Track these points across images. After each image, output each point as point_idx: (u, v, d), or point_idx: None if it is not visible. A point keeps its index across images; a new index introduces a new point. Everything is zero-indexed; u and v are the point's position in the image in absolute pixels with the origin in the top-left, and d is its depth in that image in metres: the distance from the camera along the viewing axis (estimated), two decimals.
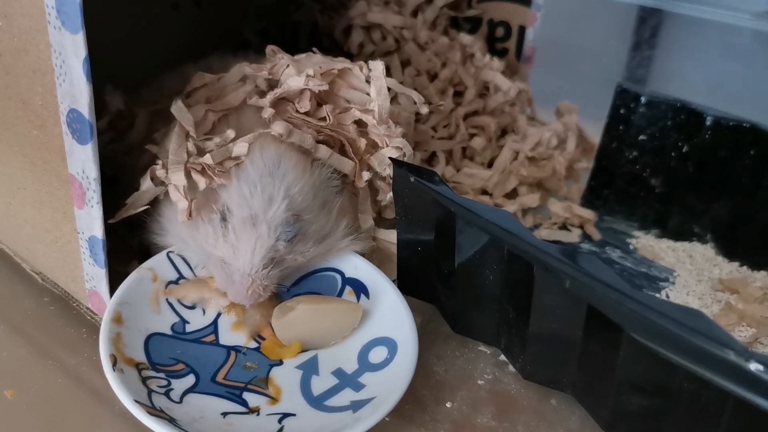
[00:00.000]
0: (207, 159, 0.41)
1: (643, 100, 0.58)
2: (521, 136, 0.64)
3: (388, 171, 0.45)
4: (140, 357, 0.39)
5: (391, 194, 0.45)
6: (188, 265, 0.44)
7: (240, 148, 0.42)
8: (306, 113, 0.46)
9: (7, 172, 0.44)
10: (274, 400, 0.39)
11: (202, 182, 0.41)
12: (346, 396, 0.39)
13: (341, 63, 0.48)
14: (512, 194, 0.61)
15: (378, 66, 0.47)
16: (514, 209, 0.58)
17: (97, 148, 0.37)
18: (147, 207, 0.43)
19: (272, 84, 0.48)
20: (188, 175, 0.41)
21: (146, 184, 0.43)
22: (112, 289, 0.41)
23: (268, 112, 0.44)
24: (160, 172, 0.42)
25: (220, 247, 0.41)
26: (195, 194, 0.42)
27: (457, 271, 0.42)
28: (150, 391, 0.37)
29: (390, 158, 0.45)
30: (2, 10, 0.38)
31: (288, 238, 0.42)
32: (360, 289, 0.44)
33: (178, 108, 0.43)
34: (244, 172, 0.41)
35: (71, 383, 0.41)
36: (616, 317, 0.34)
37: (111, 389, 0.36)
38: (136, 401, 0.35)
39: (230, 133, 0.43)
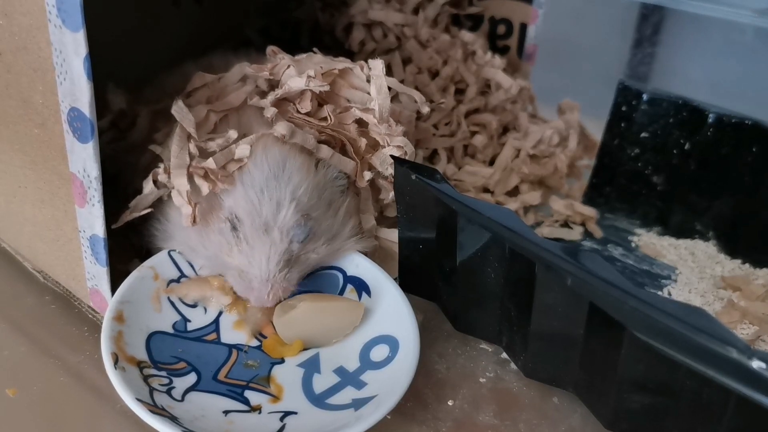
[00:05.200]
0: (210, 163, 0.41)
1: (644, 97, 0.58)
2: (523, 133, 0.64)
3: (390, 170, 0.45)
4: (142, 355, 0.39)
5: (392, 193, 0.45)
6: (189, 263, 0.44)
7: (242, 150, 0.41)
8: (307, 113, 0.45)
9: (7, 171, 0.44)
10: (275, 398, 0.39)
11: (205, 187, 0.41)
12: (348, 394, 0.39)
13: (342, 63, 0.48)
14: (514, 192, 0.61)
15: (378, 65, 0.47)
16: (515, 207, 0.58)
17: (98, 146, 0.37)
18: (150, 210, 0.43)
19: (273, 84, 0.47)
20: (191, 179, 0.41)
21: (149, 187, 0.42)
22: (114, 288, 0.41)
23: (270, 112, 0.44)
24: (162, 176, 0.42)
25: (235, 257, 0.41)
26: (199, 198, 0.41)
27: (458, 269, 0.42)
28: (151, 390, 0.37)
29: (391, 156, 0.45)
30: (2, 8, 0.38)
31: (300, 239, 0.42)
32: (361, 287, 0.44)
33: (179, 109, 0.42)
34: (248, 177, 0.41)
35: (73, 382, 0.41)
36: (618, 315, 0.34)
37: (112, 387, 0.36)
38: (138, 399, 0.35)
39: (232, 134, 0.42)
